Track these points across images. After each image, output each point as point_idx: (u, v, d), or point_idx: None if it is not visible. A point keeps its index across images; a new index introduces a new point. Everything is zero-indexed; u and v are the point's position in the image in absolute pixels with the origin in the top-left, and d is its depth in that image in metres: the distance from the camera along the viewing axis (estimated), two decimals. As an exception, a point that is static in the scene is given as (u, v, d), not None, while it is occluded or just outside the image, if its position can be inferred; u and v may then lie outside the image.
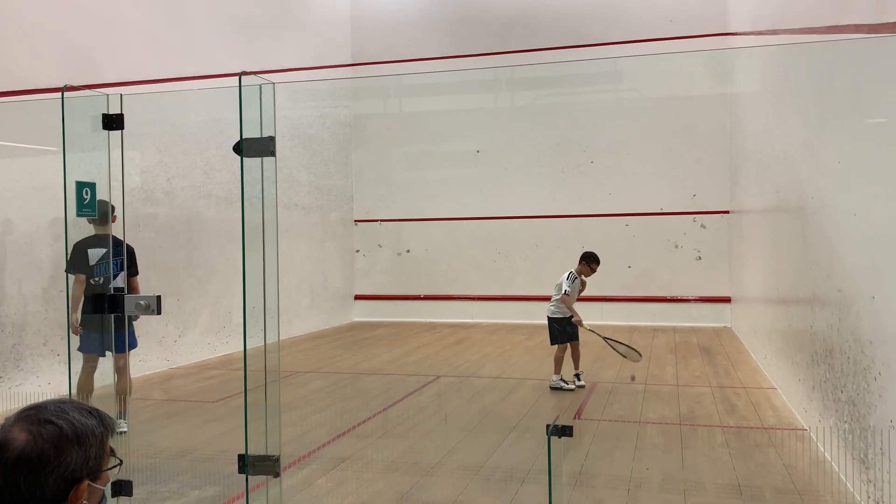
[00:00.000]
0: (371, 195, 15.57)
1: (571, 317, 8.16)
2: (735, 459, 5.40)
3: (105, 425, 1.51)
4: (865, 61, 4.50)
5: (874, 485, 4.18)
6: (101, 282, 5.89)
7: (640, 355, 8.06)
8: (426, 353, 10.86)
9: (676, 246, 13.97)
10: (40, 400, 1.50)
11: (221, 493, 4.84)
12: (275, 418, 3.61)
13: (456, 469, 5.31)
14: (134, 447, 5.85)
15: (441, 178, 15.29)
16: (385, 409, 7.30)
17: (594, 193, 14.31)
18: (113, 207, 6.29)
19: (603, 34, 14.11)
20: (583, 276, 8.40)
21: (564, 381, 8.04)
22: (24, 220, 7.62)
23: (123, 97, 3.93)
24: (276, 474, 3.62)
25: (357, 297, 15.57)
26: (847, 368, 4.80)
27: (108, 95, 3.91)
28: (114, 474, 1.55)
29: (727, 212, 13.57)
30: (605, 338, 8.05)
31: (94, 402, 1.58)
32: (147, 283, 9.03)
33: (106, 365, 5.01)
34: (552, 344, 8.26)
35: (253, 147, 3.49)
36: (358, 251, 15.65)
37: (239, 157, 3.51)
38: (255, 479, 3.62)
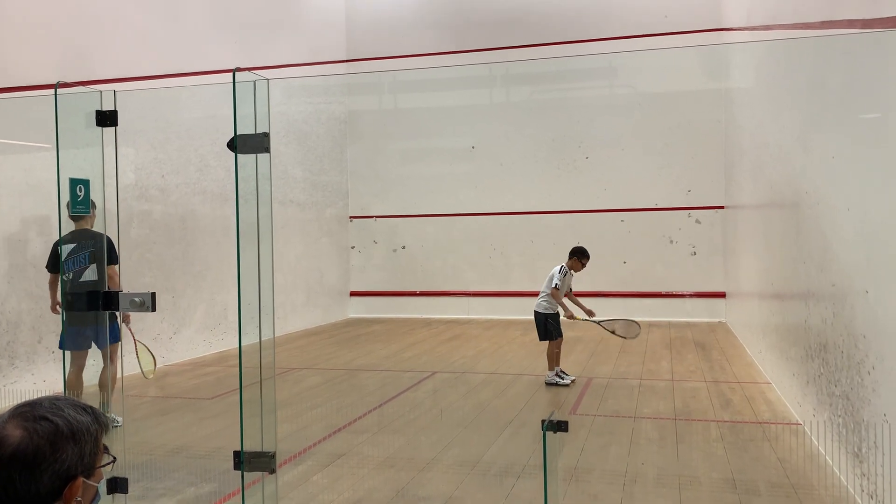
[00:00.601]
0: (366, 191, 15.55)
1: (558, 314, 8.19)
2: (730, 454, 5.42)
3: (100, 423, 1.51)
4: (859, 56, 4.51)
5: (868, 478, 4.20)
6: (70, 277, 5.85)
7: (639, 326, 8.09)
8: (422, 350, 10.87)
9: (671, 241, 14.00)
10: (35, 397, 1.50)
11: (217, 489, 4.85)
12: (270, 415, 3.61)
13: (452, 464, 5.32)
14: (129, 444, 5.84)
15: (436, 174, 15.28)
16: (381, 405, 7.31)
17: (589, 189, 14.32)
18: (92, 203, 6.27)
19: (598, 30, 14.12)
20: (573, 271, 8.41)
21: (560, 376, 8.06)
22: (18, 217, 7.59)
23: (117, 93, 3.91)
24: (272, 471, 3.62)
25: (352, 294, 15.56)
26: (841, 363, 4.82)
27: (101, 92, 3.89)
28: (107, 471, 1.55)
29: (722, 207, 13.60)
30: (599, 322, 8.10)
31: (87, 400, 1.57)
32: (142, 280, 9.03)
33: (100, 362, 5.01)
34: (542, 340, 8.26)
35: (247, 143, 3.49)
36: (353, 247, 15.64)
37: (233, 154, 3.50)
38: (250, 476, 3.62)
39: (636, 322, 8.08)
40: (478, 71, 14.87)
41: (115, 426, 6.04)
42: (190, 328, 10.13)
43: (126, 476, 3.89)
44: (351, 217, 15.61)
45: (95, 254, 6.04)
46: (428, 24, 15.15)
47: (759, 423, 6.34)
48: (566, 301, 8.38)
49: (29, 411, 1.44)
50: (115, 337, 6.26)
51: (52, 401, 1.48)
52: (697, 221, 13.91)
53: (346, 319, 15.03)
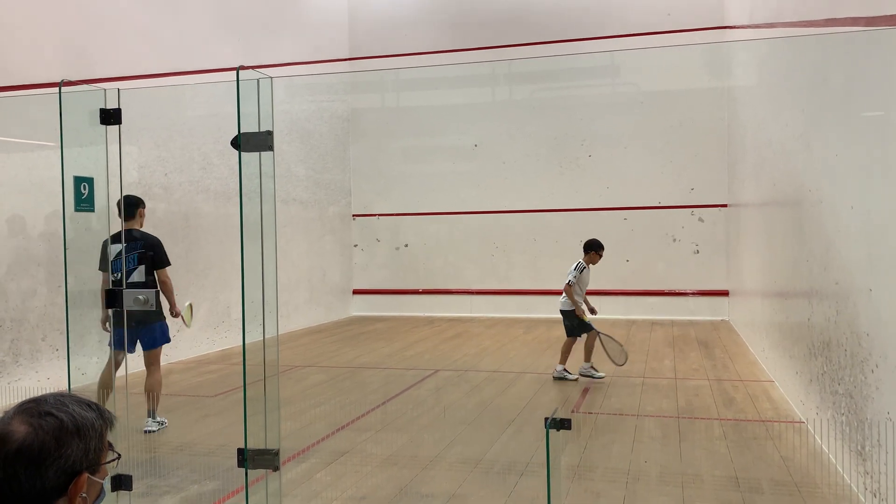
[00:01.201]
0: (369, 189, 15.56)
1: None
2: (733, 452, 5.42)
3: (104, 419, 1.51)
4: (861, 54, 4.51)
5: (871, 476, 4.20)
6: (117, 277, 5.91)
7: (626, 358, 8.10)
8: (424, 347, 10.87)
9: (674, 239, 13.99)
10: (39, 394, 1.51)
11: (221, 487, 4.86)
12: (274, 412, 3.62)
13: (455, 462, 5.33)
14: (133, 442, 5.86)
15: (439, 173, 15.28)
16: (384, 403, 7.32)
17: (592, 187, 14.32)
18: (141, 202, 6.28)
19: (600, 28, 14.11)
20: (590, 265, 8.44)
21: (568, 372, 8.16)
22: (22, 216, 7.61)
23: (121, 92, 3.92)
24: (276, 468, 3.63)
25: (355, 292, 15.58)
26: (844, 361, 4.82)
27: (105, 90, 3.90)
28: (112, 468, 1.55)
29: (725, 205, 13.59)
30: (600, 333, 8.11)
31: (90, 398, 1.57)
32: (145, 279, 9.02)
33: (104, 360, 5.02)
34: (568, 336, 8.29)
35: (251, 141, 3.49)
36: (356, 245, 15.65)
37: (237, 152, 3.51)
38: (254, 473, 3.63)
39: (626, 353, 8.10)
40: (480, 69, 14.86)
41: (147, 431, 6.10)
42: (193, 326, 10.13)
43: (130, 473, 3.90)
44: (354, 215, 15.62)
45: (145, 255, 6.08)
46: (430, 22, 15.15)
47: (762, 421, 6.33)
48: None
49: (34, 407, 1.44)
50: (162, 339, 6.30)
51: (57, 397, 1.48)
52: (700, 220, 13.90)
53: (348, 317, 15.04)
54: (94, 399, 1.56)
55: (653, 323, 13.16)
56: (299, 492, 4.74)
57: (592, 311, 8.35)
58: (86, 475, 1.45)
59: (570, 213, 14.40)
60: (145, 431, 6.13)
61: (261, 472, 3.64)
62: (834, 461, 5.07)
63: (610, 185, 14.27)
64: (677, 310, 13.79)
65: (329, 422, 6.56)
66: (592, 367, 8.20)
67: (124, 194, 6.31)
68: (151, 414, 6.23)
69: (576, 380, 8.02)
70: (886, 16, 4.04)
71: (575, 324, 8.23)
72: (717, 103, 13.67)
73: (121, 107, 3.90)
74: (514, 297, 14.61)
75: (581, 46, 13.94)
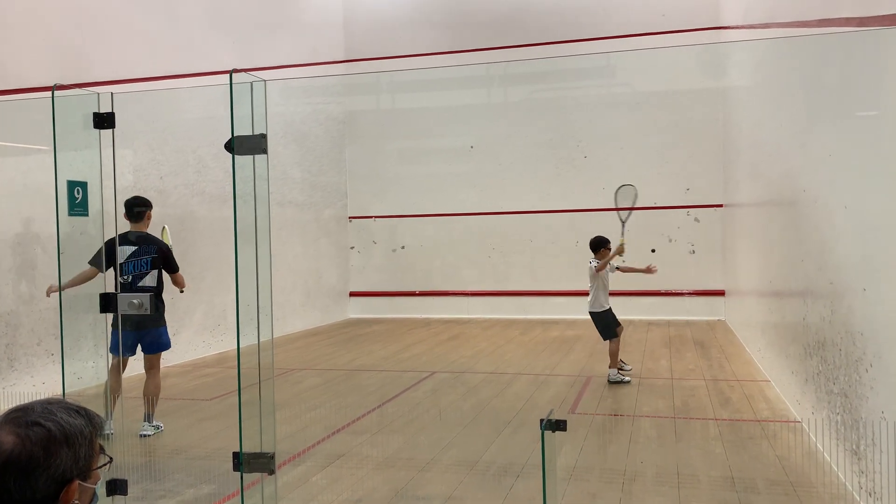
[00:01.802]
0: (365, 191, 15.55)
1: (610, 309, 8.34)
2: (729, 452, 5.43)
3: (93, 424, 1.50)
4: (856, 54, 4.52)
5: (866, 475, 4.21)
6: (128, 280, 6.06)
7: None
8: (421, 350, 10.87)
9: (670, 240, 14.00)
10: (28, 401, 1.50)
11: (216, 490, 4.85)
12: (269, 416, 3.62)
13: (451, 464, 5.32)
14: (129, 446, 5.85)
15: (435, 174, 15.28)
16: (380, 406, 7.31)
17: (588, 188, 14.32)
18: (149, 205, 6.38)
19: (596, 29, 14.12)
20: (599, 261, 8.51)
21: (622, 373, 8.14)
22: (15, 220, 7.60)
23: (114, 95, 3.91)
24: (272, 472, 3.63)
25: (352, 294, 15.57)
26: (839, 360, 4.83)
27: (98, 94, 3.90)
28: (104, 472, 1.54)
29: (720, 205, 13.60)
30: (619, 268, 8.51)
31: (85, 402, 1.57)
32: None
33: (100, 364, 5.01)
34: (604, 339, 8.34)
35: (245, 144, 3.49)
36: (352, 248, 15.64)
37: (231, 155, 3.50)
38: (250, 477, 3.62)
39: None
40: (476, 71, 14.86)
41: (143, 435, 6.10)
42: (189, 329, 10.13)
43: (125, 478, 3.89)
44: (350, 217, 15.61)
45: (157, 260, 6.15)
46: (426, 23, 15.15)
47: (758, 421, 6.34)
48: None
49: (20, 417, 1.43)
50: (165, 345, 6.38)
51: (44, 405, 1.47)
52: (696, 220, 13.92)
53: (345, 320, 15.03)
54: (101, 404, 1.56)
55: (649, 323, 13.17)
56: (295, 495, 4.74)
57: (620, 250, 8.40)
58: (77, 482, 1.45)
59: (567, 214, 14.41)
60: (141, 435, 6.13)
61: (256, 475, 3.63)
62: (829, 460, 5.08)
63: (606, 185, 14.25)
64: (673, 310, 13.80)
65: (325, 425, 6.56)
66: (620, 370, 8.19)
67: (134, 196, 6.41)
68: (148, 418, 6.25)
69: (629, 381, 7.99)
70: (879, 16, 4.05)
71: (603, 326, 8.31)
72: (712, 104, 13.69)
73: (114, 110, 3.89)
74: (511, 299, 14.61)
75: (577, 47, 13.95)
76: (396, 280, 15.30)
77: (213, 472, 5.21)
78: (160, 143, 9.83)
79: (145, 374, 6.40)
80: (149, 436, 6.17)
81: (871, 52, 4.17)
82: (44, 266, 7.67)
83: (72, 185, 3.86)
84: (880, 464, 3.95)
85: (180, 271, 6.51)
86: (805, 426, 5.93)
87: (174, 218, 9.98)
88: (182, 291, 6.62)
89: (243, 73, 3.43)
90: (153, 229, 6.55)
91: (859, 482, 4.34)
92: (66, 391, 3.95)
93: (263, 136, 3.49)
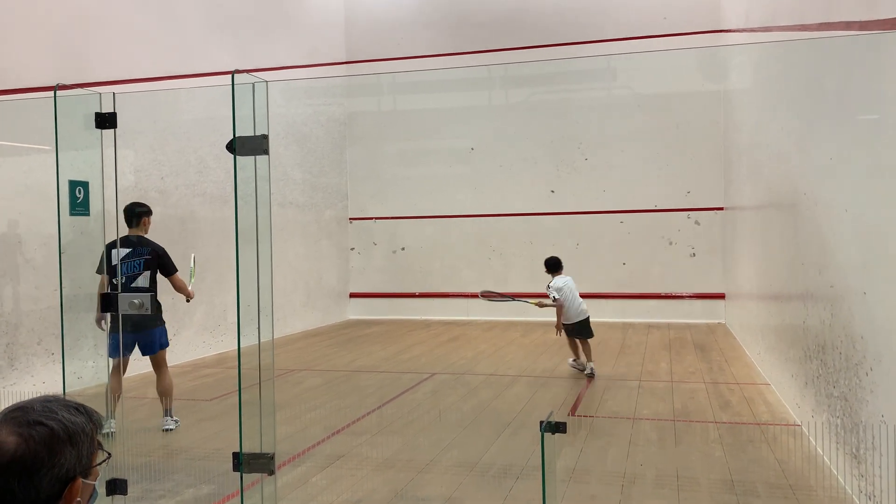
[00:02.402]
0: (365, 193, 15.56)
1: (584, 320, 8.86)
2: (728, 455, 5.43)
3: (93, 421, 1.49)
4: (856, 58, 4.53)
5: (866, 479, 4.21)
6: (123, 281, 6.19)
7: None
8: (421, 351, 10.87)
9: (670, 242, 14.01)
10: (25, 399, 1.49)
11: (216, 491, 4.85)
12: (269, 416, 3.62)
13: (451, 466, 5.32)
14: (129, 445, 5.85)
15: (435, 176, 15.29)
16: (380, 407, 7.31)
17: (588, 190, 14.33)
18: (148, 211, 6.57)
19: (596, 31, 14.13)
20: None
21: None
22: (17, 220, 7.60)
23: (116, 95, 3.92)
24: (271, 472, 3.63)
25: (352, 295, 15.57)
26: (839, 364, 4.83)
27: (100, 94, 3.90)
28: (103, 468, 1.54)
29: (721, 208, 13.61)
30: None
31: (85, 401, 1.56)
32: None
33: (100, 364, 5.01)
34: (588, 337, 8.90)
35: (246, 145, 3.50)
36: (352, 249, 15.65)
37: (232, 156, 3.51)
38: (249, 478, 3.63)
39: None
40: (476, 72, 14.87)
41: (166, 430, 6.35)
42: (189, 330, 10.13)
43: (125, 477, 3.90)
44: (350, 218, 15.61)
45: (151, 262, 6.23)
46: (427, 25, 15.17)
47: (758, 424, 6.34)
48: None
49: (21, 416, 1.42)
50: (160, 345, 6.51)
51: (44, 403, 1.46)
52: (697, 223, 13.92)
53: (345, 321, 15.03)
54: (101, 403, 1.56)
55: (649, 326, 13.17)
56: (295, 496, 4.74)
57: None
58: (80, 480, 1.44)
59: (567, 217, 14.41)
60: (164, 430, 6.38)
61: (256, 476, 3.63)
62: (829, 464, 5.08)
63: (606, 188, 14.29)
64: (673, 313, 13.80)
65: (325, 425, 6.56)
66: (577, 360, 8.92)
67: (132, 202, 6.51)
68: (168, 413, 6.46)
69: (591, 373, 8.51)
70: (880, 20, 4.06)
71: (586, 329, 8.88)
72: (712, 106, 13.70)
73: (116, 110, 3.90)
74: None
75: (577, 50, 13.97)
76: (396, 281, 15.31)
77: (213, 473, 5.21)
78: (161, 143, 9.84)
79: (155, 374, 6.53)
80: (171, 430, 6.40)
81: (872, 56, 4.17)
82: (45, 266, 7.68)
83: (73, 184, 3.87)
84: (880, 467, 3.95)
85: (181, 278, 6.59)
86: (805, 429, 5.93)
87: (175, 218, 9.99)
88: (189, 301, 6.76)
89: (245, 74, 3.44)
90: (178, 255, 6.78)
91: (859, 486, 4.34)
92: (66, 391, 3.95)
93: (265, 137, 3.50)
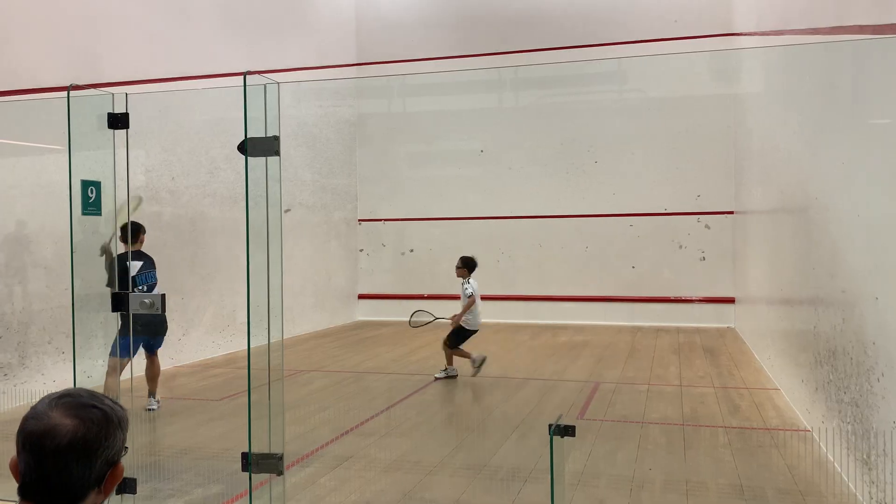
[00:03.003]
0: (375, 194, 15.58)
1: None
2: (738, 460, 5.40)
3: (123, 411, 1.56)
4: (869, 62, 4.50)
5: (877, 486, 4.18)
6: (143, 290, 6.84)
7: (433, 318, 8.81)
8: (429, 353, 10.85)
9: (680, 246, 13.96)
10: (63, 389, 1.52)
11: (225, 490, 4.86)
12: (278, 417, 3.63)
13: (458, 468, 5.32)
14: (138, 445, 5.87)
15: (445, 178, 15.29)
16: (388, 408, 7.32)
17: (598, 193, 14.30)
18: (142, 229, 7.08)
19: (607, 34, 14.10)
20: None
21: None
22: (29, 219, 7.65)
23: (128, 96, 3.94)
24: (280, 472, 3.64)
25: (361, 297, 15.58)
26: (850, 369, 4.80)
27: (113, 95, 3.93)
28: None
29: (731, 212, 13.55)
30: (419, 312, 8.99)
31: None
32: (151, 282, 9.06)
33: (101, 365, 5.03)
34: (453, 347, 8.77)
35: (257, 146, 3.51)
36: (361, 250, 15.67)
37: (243, 157, 3.52)
38: (258, 478, 3.64)
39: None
40: (486, 75, 14.87)
41: (154, 408, 6.94)
42: (199, 330, 10.17)
43: (135, 477, 3.91)
44: (359, 220, 15.64)
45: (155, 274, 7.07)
46: (437, 27, 15.18)
47: (768, 429, 6.31)
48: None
49: (72, 401, 1.46)
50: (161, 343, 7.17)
51: (85, 391, 1.51)
52: (707, 226, 13.87)
53: (354, 322, 15.05)
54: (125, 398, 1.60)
55: (658, 330, 13.13)
56: (303, 496, 4.74)
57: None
58: (122, 465, 1.50)
59: (576, 220, 14.39)
60: (147, 409, 6.99)
61: (265, 476, 3.64)
62: (839, 470, 5.05)
63: (616, 191, 14.26)
64: (683, 317, 13.75)
65: (333, 426, 6.56)
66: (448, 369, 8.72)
67: (133, 221, 7.02)
68: (152, 395, 7.12)
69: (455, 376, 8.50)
70: (893, 24, 4.03)
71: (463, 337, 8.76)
72: (723, 110, 13.64)
73: (128, 111, 3.92)
74: (520, 303, 14.59)
75: (588, 52, 13.93)
76: (405, 283, 15.31)
77: (222, 473, 5.23)
78: (173, 143, 9.88)
79: (148, 361, 7.11)
80: (154, 409, 7.02)
81: (885, 60, 4.15)
82: (56, 265, 7.72)
83: (85, 184, 3.89)
84: (891, 474, 3.92)
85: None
86: (815, 435, 5.90)
87: (185, 219, 10.04)
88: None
89: (257, 76, 3.45)
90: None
91: (870, 492, 4.31)
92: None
93: (276, 138, 3.51)
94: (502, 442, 5.96)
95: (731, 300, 13.51)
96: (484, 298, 14.79)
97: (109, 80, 8.15)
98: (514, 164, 14.75)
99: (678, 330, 13.11)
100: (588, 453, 5.60)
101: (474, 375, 8.53)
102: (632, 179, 14.18)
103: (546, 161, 14.63)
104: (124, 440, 1.50)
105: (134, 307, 4.00)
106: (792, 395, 7.16)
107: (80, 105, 3.87)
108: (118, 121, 3.91)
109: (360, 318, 15.41)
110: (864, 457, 4.44)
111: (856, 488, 4.63)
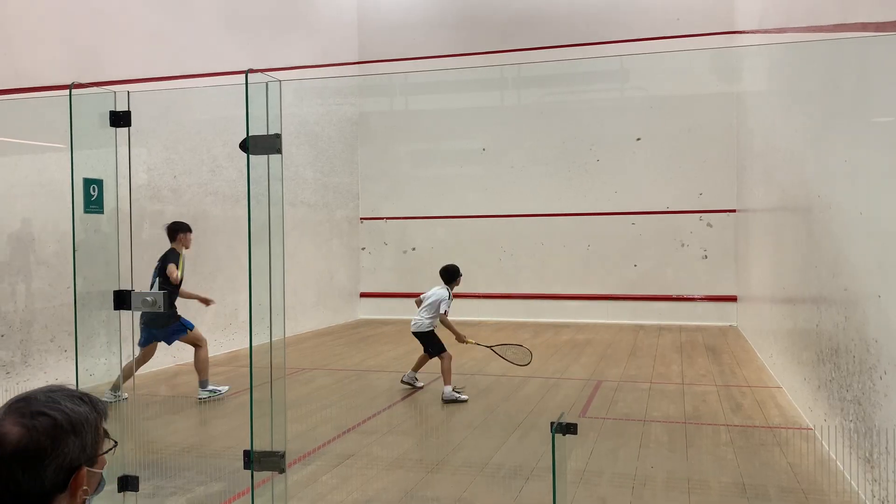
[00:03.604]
0: (377, 193, 15.58)
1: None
2: (740, 458, 5.40)
3: (98, 410, 1.49)
4: (872, 60, 4.49)
5: (879, 484, 4.17)
6: (158, 283, 7.41)
7: (531, 354, 7.80)
8: (431, 351, 10.85)
9: (683, 244, 13.95)
10: (28, 390, 1.48)
11: (227, 488, 4.87)
12: (280, 415, 3.63)
13: (460, 466, 5.32)
14: (140, 442, 5.88)
15: (446, 176, 15.29)
16: (390, 407, 7.32)
17: (600, 192, 14.29)
18: (186, 228, 7.74)
19: (609, 32, 14.09)
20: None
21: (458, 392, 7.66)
22: (31, 217, 7.66)
23: (130, 94, 3.94)
24: (282, 470, 3.64)
25: (363, 295, 15.59)
26: (853, 367, 4.79)
27: (115, 93, 3.93)
28: (110, 458, 1.54)
29: (733, 210, 13.54)
30: (493, 347, 8.00)
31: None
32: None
33: (112, 361, 5.04)
34: (433, 355, 7.90)
35: (259, 144, 3.51)
36: (363, 249, 15.67)
37: (245, 155, 3.52)
38: (260, 475, 3.64)
39: (529, 351, 7.85)
40: (489, 73, 14.86)
41: (214, 395, 7.52)
42: (201, 328, 10.11)
43: (137, 474, 3.92)
44: (361, 218, 15.64)
45: (160, 269, 7.51)
46: (439, 25, 15.17)
47: (770, 427, 6.30)
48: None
49: (24, 407, 1.41)
50: (176, 334, 7.60)
51: (47, 393, 1.46)
52: (709, 225, 13.85)
53: (356, 320, 15.05)
54: (106, 388, 1.56)
55: (660, 328, 13.12)
56: (305, 494, 4.75)
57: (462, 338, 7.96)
58: (84, 469, 1.44)
59: (578, 218, 14.38)
60: (198, 399, 7.48)
61: (267, 474, 3.64)
62: (842, 468, 5.04)
63: (618, 189, 14.25)
64: (685, 315, 13.74)
65: (335, 425, 6.57)
66: (416, 378, 8.05)
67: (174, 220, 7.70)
68: (203, 384, 7.54)
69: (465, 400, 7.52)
70: (896, 21, 4.02)
71: (436, 343, 7.89)
72: (726, 108, 13.63)
73: (130, 109, 3.92)
74: (522, 301, 14.59)
75: (590, 51, 13.93)
76: (407, 281, 15.30)
77: (224, 470, 5.23)
78: (175, 142, 9.88)
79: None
80: (204, 399, 7.45)
81: (888, 58, 4.14)
82: (58, 263, 7.73)
83: (88, 182, 3.89)
84: (894, 472, 3.92)
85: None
86: (817, 433, 5.89)
87: (187, 217, 10.02)
88: (176, 287, 7.48)
89: (259, 74, 3.45)
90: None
91: (872, 490, 4.31)
92: (78, 388, 3.97)
93: (278, 136, 3.50)
94: (504, 440, 5.96)
95: (733, 298, 13.50)
96: (486, 296, 14.91)
97: (111, 79, 8.16)
98: (515, 163, 14.74)
99: (680, 328, 13.10)
100: (590, 451, 5.60)
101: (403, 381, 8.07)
102: (634, 178, 14.16)
103: (548, 159, 14.62)
104: (87, 444, 1.44)
105: (136, 305, 4.00)
106: (794, 393, 7.16)
107: (82, 103, 3.87)
108: (120, 119, 3.91)
109: (362, 316, 15.41)
110: (867, 455, 4.43)
111: (858, 486, 4.63)
